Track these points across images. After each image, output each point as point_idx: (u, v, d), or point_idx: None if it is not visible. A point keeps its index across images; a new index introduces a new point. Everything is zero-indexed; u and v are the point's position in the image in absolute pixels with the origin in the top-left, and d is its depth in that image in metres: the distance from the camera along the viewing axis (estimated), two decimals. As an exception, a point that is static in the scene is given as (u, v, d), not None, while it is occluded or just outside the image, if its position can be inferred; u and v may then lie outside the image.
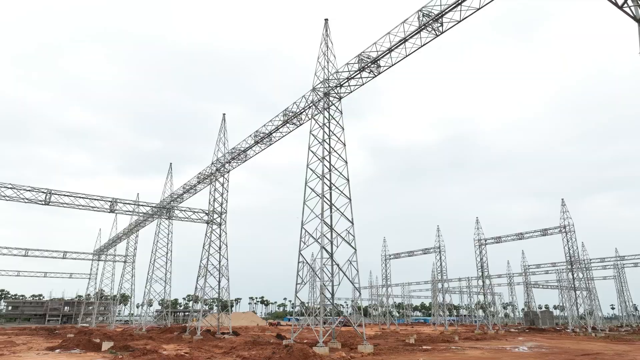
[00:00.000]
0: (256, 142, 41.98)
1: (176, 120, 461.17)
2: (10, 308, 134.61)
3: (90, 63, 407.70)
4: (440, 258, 69.82)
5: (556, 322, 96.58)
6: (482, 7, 22.92)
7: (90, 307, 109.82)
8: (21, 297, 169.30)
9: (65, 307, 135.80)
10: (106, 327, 76.36)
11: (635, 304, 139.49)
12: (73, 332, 49.57)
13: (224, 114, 51.22)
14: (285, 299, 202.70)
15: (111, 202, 41.82)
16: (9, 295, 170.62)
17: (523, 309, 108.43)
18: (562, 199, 56.45)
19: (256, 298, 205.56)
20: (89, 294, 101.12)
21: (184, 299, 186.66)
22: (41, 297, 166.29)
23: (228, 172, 48.72)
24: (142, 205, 46.11)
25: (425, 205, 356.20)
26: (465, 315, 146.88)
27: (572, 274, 54.51)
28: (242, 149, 44.00)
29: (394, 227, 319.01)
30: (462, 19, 24.09)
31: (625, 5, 15.11)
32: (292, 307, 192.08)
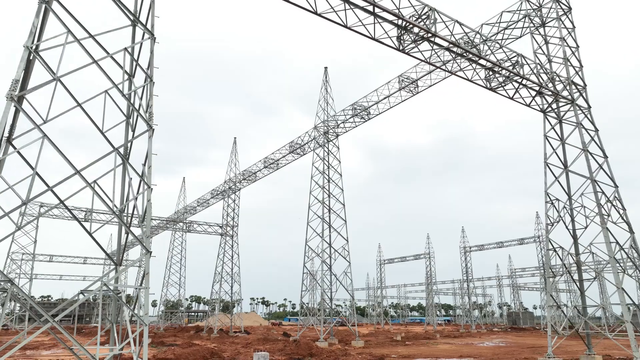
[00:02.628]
0: (265, 167, 48.52)
1: (175, 120, 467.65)
2: (23, 309, 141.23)
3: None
4: (430, 264, 76.50)
5: (537, 322, 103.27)
6: (446, 77, 29.49)
7: (95, 309, 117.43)
8: (31, 298, 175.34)
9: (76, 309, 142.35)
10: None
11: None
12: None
13: (234, 138, 57.83)
14: (285, 299, 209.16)
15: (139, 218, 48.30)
16: (19, 297, 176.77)
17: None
18: (537, 212, 63.10)
19: (257, 299, 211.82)
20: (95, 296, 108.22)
21: (186, 299, 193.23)
22: (50, 298, 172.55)
23: (239, 189, 55.31)
24: (165, 220, 52.62)
25: (423, 205, 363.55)
26: (459, 315, 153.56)
27: (545, 279, 61.12)
28: (253, 171, 50.54)
29: (392, 227, 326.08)
30: (433, 84, 30.68)
31: (533, 103, 21.73)
32: (293, 308, 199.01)
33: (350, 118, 36.90)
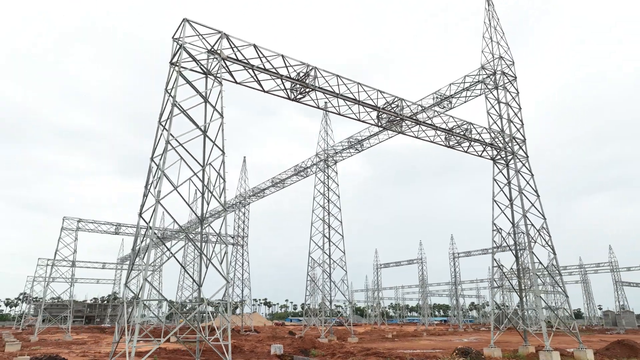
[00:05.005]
0: (272, 185, 55.13)
1: (174, 120, 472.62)
2: (37, 310, 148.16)
3: (88, 64, 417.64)
4: (422, 268, 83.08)
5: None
6: (420, 123, 36.01)
7: (109, 310, 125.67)
8: (41, 300, 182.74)
9: (86, 310, 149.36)
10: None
11: (600, 305, 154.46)
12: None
13: (244, 157, 64.44)
14: (287, 300, 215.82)
15: (162, 231, 55.01)
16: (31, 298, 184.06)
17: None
18: (516, 222, 69.57)
19: (259, 300, 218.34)
20: (104, 298, 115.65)
21: (190, 300, 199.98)
22: (59, 300, 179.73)
23: (249, 204, 61.91)
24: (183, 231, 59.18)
25: (423, 206, 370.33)
26: (456, 316, 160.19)
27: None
28: (261, 188, 57.14)
29: (392, 228, 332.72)
30: (409, 128, 37.22)
31: (485, 153, 28.28)
32: (294, 309, 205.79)
33: (346, 149, 43.51)
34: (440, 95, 33.34)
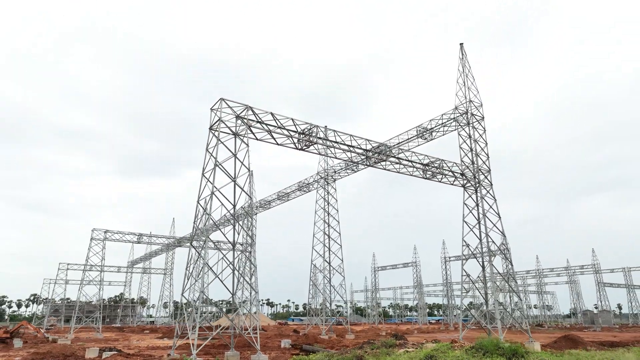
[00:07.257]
0: (278, 198, 61.18)
1: (173, 121, 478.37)
2: (52, 311, 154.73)
3: (88, 64, 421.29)
4: (417, 271, 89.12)
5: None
6: (400, 162, 41.97)
7: (118, 310, 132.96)
8: (51, 300, 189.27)
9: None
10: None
11: (596, 305, 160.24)
12: (142, 329, 68.83)
13: (251, 171, 70.49)
14: (289, 300, 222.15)
15: (179, 239, 61.11)
16: (42, 299, 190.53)
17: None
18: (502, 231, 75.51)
19: (262, 300, 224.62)
20: (111, 298, 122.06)
21: (194, 301, 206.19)
22: (69, 300, 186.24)
23: (255, 214, 67.96)
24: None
25: (420, 208, 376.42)
26: (456, 315, 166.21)
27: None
28: (267, 201, 63.17)
29: (390, 229, 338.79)
30: (392, 165, 43.18)
31: (456, 182, 34.26)
32: (296, 309, 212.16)
33: (342, 169, 49.55)
34: (423, 129, 39.38)
